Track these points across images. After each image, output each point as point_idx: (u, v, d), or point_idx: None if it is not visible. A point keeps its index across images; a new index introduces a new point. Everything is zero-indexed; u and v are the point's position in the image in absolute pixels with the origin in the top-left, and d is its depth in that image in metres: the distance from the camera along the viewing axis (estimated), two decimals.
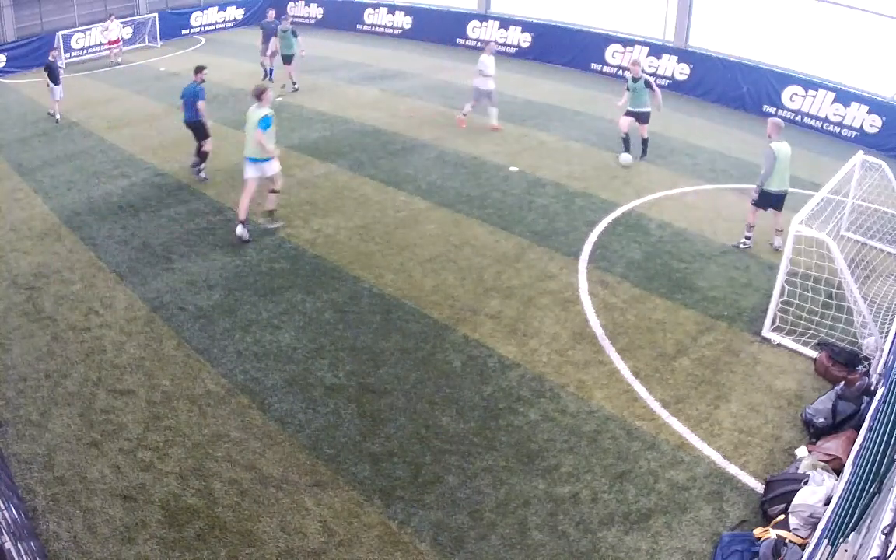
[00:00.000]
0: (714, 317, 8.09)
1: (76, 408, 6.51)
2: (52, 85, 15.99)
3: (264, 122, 9.41)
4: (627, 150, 12.96)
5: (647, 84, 12.77)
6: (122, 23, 24.06)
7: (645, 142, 13.25)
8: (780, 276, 7.54)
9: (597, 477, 5.79)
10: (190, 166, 12.36)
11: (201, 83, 11.81)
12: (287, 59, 17.97)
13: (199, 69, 11.90)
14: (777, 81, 16.69)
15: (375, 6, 26.44)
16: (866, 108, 15.07)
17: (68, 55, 23.30)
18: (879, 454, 3.77)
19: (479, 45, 23.22)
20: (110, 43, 23.23)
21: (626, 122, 12.96)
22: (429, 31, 24.68)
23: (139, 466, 5.82)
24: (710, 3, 18.44)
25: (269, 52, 18.78)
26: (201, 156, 12.17)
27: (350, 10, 27.06)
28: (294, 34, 17.98)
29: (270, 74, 18.83)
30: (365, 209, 10.91)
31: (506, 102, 16.91)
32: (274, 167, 9.77)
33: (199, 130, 12.02)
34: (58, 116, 16.08)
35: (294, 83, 18.00)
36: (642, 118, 12.99)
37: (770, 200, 9.46)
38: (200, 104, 11.71)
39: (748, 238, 9.76)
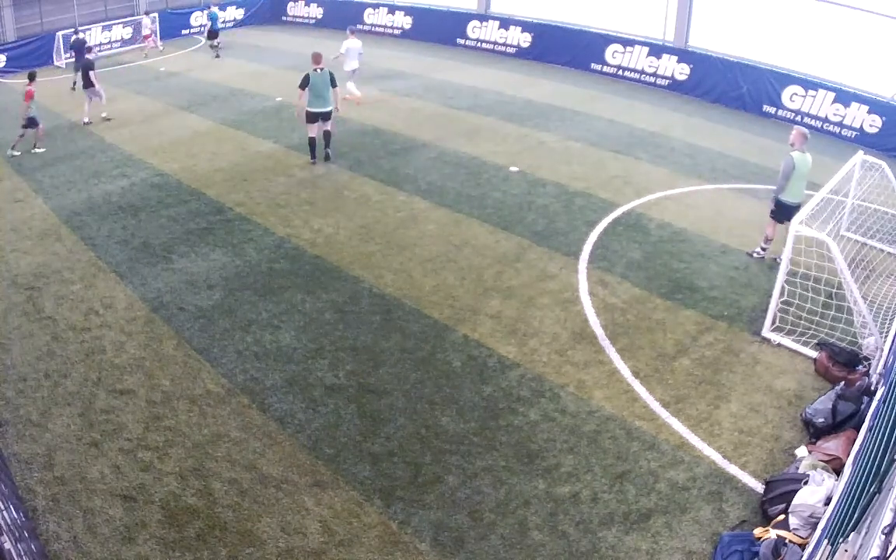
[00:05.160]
0: (714, 317, 8.09)
1: (76, 408, 6.51)
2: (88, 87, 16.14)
3: None
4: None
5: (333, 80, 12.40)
6: (151, 18, 25.19)
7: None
8: (780, 276, 7.54)
9: (597, 477, 5.79)
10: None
11: None
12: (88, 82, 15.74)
13: None
14: (777, 81, 16.69)
15: (375, 6, 26.45)
16: (866, 108, 15.07)
17: (68, 55, 23.29)
18: (879, 454, 3.77)
19: (478, 45, 23.28)
20: (145, 38, 24.32)
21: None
22: (429, 31, 24.69)
23: (139, 466, 5.82)
24: (710, 3, 18.44)
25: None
26: None
27: (350, 10, 27.06)
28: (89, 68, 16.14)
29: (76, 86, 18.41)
30: (365, 209, 10.91)
31: (506, 102, 16.94)
32: None
33: None
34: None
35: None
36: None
37: (787, 212, 8.85)
38: None
39: (764, 249, 9.36)
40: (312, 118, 12.57)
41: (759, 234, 9.89)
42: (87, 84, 15.87)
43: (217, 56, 23.13)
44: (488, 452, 6.05)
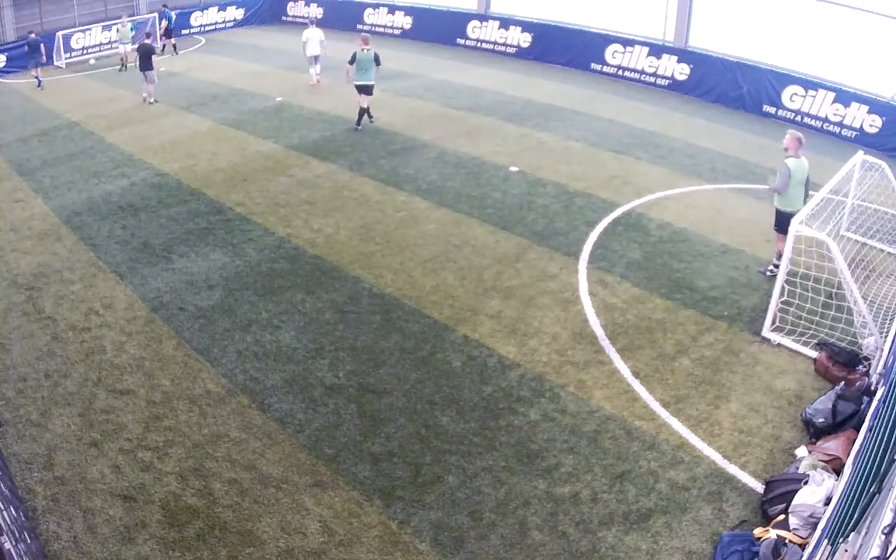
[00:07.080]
0: (714, 317, 8.09)
1: (76, 408, 6.51)
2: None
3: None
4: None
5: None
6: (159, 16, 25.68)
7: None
8: (780, 276, 7.54)
9: (597, 477, 5.79)
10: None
11: None
12: None
13: None
14: (777, 81, 16.68)
15: (375, 6, 26.44)
16: (866, 108, 15.06)
17: (68, 55, 23.34)
18: (879, 454, 3.77)
19: (478, 45, 23.29)
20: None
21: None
22: (429, 31, 24.68)
23: (139, 466, 5.82)
24: (710, 3, 18.44)
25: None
26: None
27: (350, 10, 27.06)
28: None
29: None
30: (365, 209, 10.91)
31: (506, 102, 16.93)
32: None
33: None
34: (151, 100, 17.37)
35: None
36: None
37: (788, 221, 8.07)
38: None
39: (776, 265, 8.55)
40: (358, 90, 14.71)
41: (759, 234, 9.90)
42: (146, 66, 16.90)
43: (175, 54, 23.90)
44: (488, 452, 6.05)
